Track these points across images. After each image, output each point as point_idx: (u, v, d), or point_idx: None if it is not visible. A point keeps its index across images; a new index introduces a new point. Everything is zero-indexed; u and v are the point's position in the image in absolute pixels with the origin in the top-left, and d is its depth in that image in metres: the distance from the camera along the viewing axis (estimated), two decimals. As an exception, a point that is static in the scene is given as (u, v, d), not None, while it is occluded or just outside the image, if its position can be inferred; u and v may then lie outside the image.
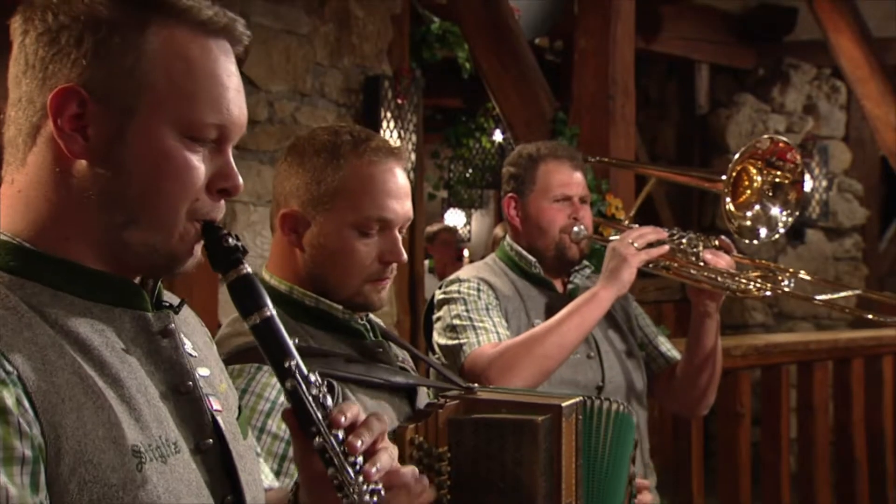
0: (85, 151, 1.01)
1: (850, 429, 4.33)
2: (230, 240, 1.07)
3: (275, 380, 1.51)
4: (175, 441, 1.02)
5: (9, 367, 0.91)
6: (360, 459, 1.05)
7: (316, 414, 1.04)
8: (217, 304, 3.82)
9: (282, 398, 1.51)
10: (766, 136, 2.46)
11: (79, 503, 0.92)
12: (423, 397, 1.73)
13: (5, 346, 0.92)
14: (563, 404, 1.52)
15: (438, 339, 2.35)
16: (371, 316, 1.77)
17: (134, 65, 1.01)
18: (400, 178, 1.66)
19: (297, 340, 1.08)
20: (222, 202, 1.08)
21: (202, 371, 1.13)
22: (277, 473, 1.49)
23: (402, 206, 1.65)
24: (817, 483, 4.14)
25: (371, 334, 1.71)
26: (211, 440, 1.08)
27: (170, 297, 1.14)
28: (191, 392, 1.08)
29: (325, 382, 1.08)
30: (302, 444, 1.07)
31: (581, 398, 1.59)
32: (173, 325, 1.09)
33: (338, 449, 1.04)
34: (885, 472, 4.39)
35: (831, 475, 4.28)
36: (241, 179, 1.08)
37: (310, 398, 1.05)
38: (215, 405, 1.11)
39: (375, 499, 1.04)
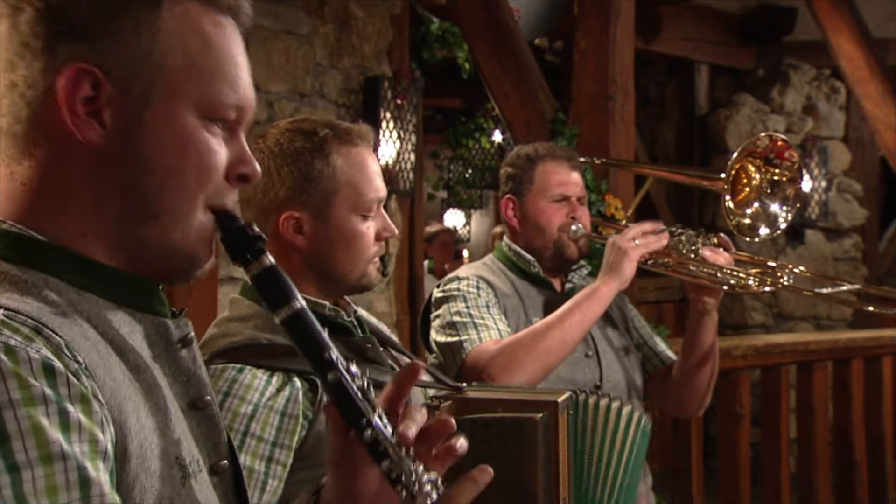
0: (102, 138, 0.92)
1: (849, 429, 4.34)
2: (254, 229, 1.00)
3: (257, 381, 1.53)
4: (198, 459, 0.96)
5: (79, 358, 0.85)
6: (412, 451, 0.98)
7: (365, 406, 0.97)
8: (217, 304, 3.82)
9: (265, 399, 1.52)
10: (764, 134, 2.47)
11: None
12: (418, 396, 1.74)
13: (67, 337, 0.85)
14: (559, 400, 1.54)
15: (437, 336, 2.35)
16: (362, 313, 1.80)
17: (150, 43, 0.93)
18: (375, 158, 1.76)
19: (326, 329, 1.02)
20: (236, 191, 1.02)
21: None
22: (266, 475, 1.50)
23: (383, 183, 1.75)
24: (817, 484, 4.14)
25: (359, 331, 1.72)
26: (226, 461, 1.02)
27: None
28: (207, 408, 1.01)
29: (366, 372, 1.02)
30: (343, 439, 1.00)
31: (570, 393, 1.61)
32: (192, 334, 1.02)
33: (391, 440, 0.96)
34: (884, 473, 4.39)
35: (831, 476, 4.28)
36: (258, 165, 1.03)
37: (354, 390, 0.97)
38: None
39: (434, 488, 0.98)
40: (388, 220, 1.74)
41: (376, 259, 1.73)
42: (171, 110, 0.95)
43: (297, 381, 1.56)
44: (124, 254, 0.96)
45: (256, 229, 1.01)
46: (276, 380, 1.55)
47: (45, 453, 0.78)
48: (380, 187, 1.71)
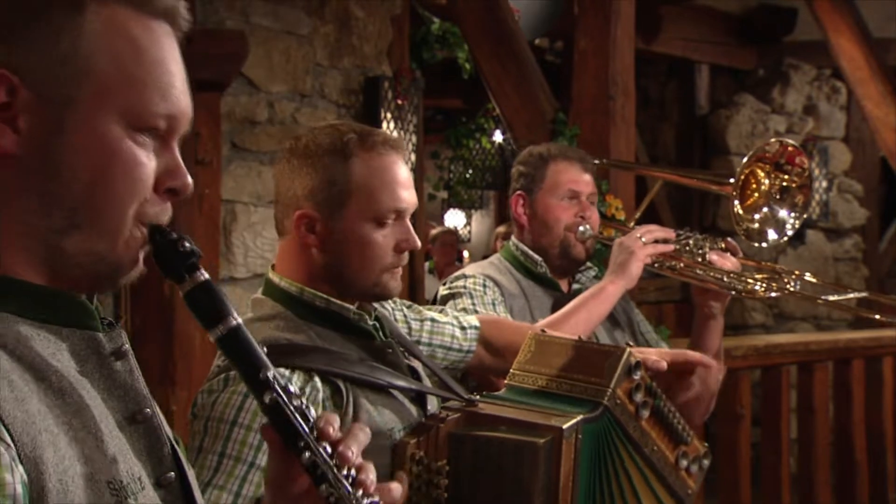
0: (17, 146, 0.88)
1: (850, 429, 4.33)
2: (186, 244, 0.96)
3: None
4: (139, 476, 0.92)
5: None
6: (353, 472, 0.97)
7: (303, 428, 0.95)
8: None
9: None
10: (774, 140, 2.47)
11: None
12: (433, 403, 1.74)
13: None
14: (564, 426, 1.50)
15: None
16: (384, 312, 1.80)
17: (72, 48, 0.90)
18: (405, 168, 1.71)
19: (265, 349, 0.99)
20: (169, 204, 0.97)
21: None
22: None
23: (411, 194, 1.70)
24: (817, 484, 4.14)
25: (381, 334, 1.72)
26: (172, 473, 0.98)
27: (107, 316, 1.02)
28: (148, 420, 0.97)
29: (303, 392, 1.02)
30: (282, 460, 0.98)
31: (582, 416, 1.56)
32: (127, 345, 0.97)
33: (330, 463, 0.95)
34: (885, 473, 4.39)
35: (831, 476, 4.27)
36: (190, 178, 0.98)
37: (292, 410, 0.96)
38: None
39: None
40: (412, 232, 1.70)
41: (395, 269, 1.69)
42: (96, 118, 0.91)
43: (319, 383, 1.56)
44: (46, 266, 0.92)
45: (189, 244, 0.97)
46: (296, 378, 1.54)
47: None
48: (401, 197, 1.67)
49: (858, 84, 5.78)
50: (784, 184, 2.46)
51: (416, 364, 1.78)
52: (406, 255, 1.71)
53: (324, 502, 0.96)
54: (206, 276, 0.97)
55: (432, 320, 1.96)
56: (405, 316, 1.93)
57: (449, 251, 7.47)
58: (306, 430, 0.96)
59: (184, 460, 1.01)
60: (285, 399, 0.96)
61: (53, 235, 0.91)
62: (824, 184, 7.01)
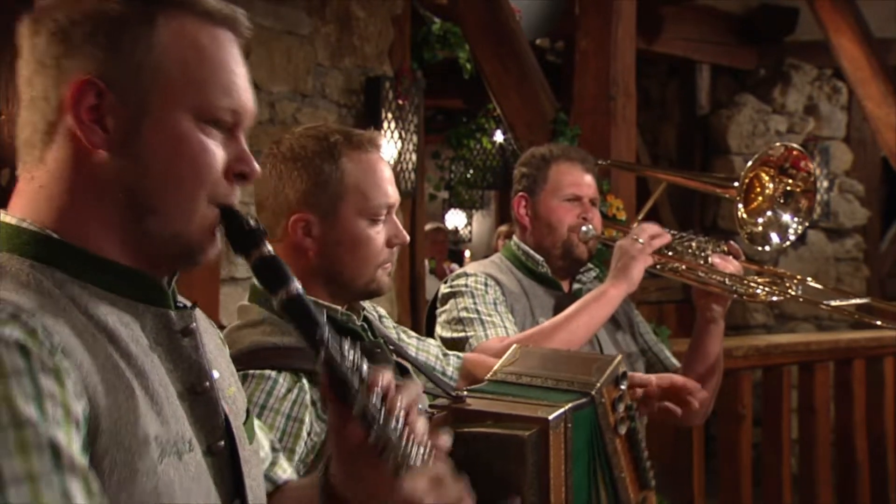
0: (105, 142, 1.02)
1: (851, 430, 4.33)
2: (251, 221, 1.09)
3: (264, 383, 1.55)
4: (190, 440, 1.03)
5: (56, 340, 0.92)
6: (400, 421, 1.05)
7: (353, 379, 1.04)
8: (218, 304, 3.82)
9: (271, 401, 1.54)
10: (779, 144, 2.46)
11: (108, 483, 0.93)
12: (423, 399, 1.74)
13: (45, 324, 0.93)
14: (550, 417, 1.50)
15: (442, 332, 2.35)
16: (370, 315, 1.80)
17: (145, 56, 1.03)
18: (388, 165, 1.77)
19: (325, 312, 1.09)
20: (237, 188, 1.10)
21: (213, 373, 1.13)
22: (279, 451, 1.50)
23: (395, 190, 1.75)
24: (818, 484, 4.14)
25: (369, 334, 1.73)
26: (222, 442, 1.09)
27: (183, 300, 1.14)
28: (206, 392, 1.09)
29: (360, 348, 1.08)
30: (338, 413, 1.07)
31: (570, 405, 1.56)
32: (195, 324, 1.10)
33: (379, 409, 1.04)
34: (886, 473, 4.39)
35: (832, 476, 4.28)
36: (257, 165, 1.10)
37: (345, 364, 1.05)
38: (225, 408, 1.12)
39: (419, 456, 1.05)
40: (400, 227, 1.74)
41: (387, 265, 1.73)
42: (167, 115, 1.04)
43: (307, 384, 1.57)
44: (130, 247, 1.05)
45: (253, 222, 1.09)
46: (283, 379, 1.56)
47: (17, 420, 0.85)
48: (390, 193, 1.72)
49: (859, 84, 5.77)
50: (788, 188, 2.45)
51: (406, 364, 1.80)
52: (397, 250, 1.75)
53: (375, 450, 1.03)
54: (270, 250, 1.09)
55: (418, 338, 2.00)
56: (394, 326, 1.96)
57: (440, 248, 7.48)
58: (356, 383, 1.04)
59: (237, 434, 1.12)
60: (338, 355, 1.05)
61: (136, 220, 1.04)
62: (825, 184, 7.01)
